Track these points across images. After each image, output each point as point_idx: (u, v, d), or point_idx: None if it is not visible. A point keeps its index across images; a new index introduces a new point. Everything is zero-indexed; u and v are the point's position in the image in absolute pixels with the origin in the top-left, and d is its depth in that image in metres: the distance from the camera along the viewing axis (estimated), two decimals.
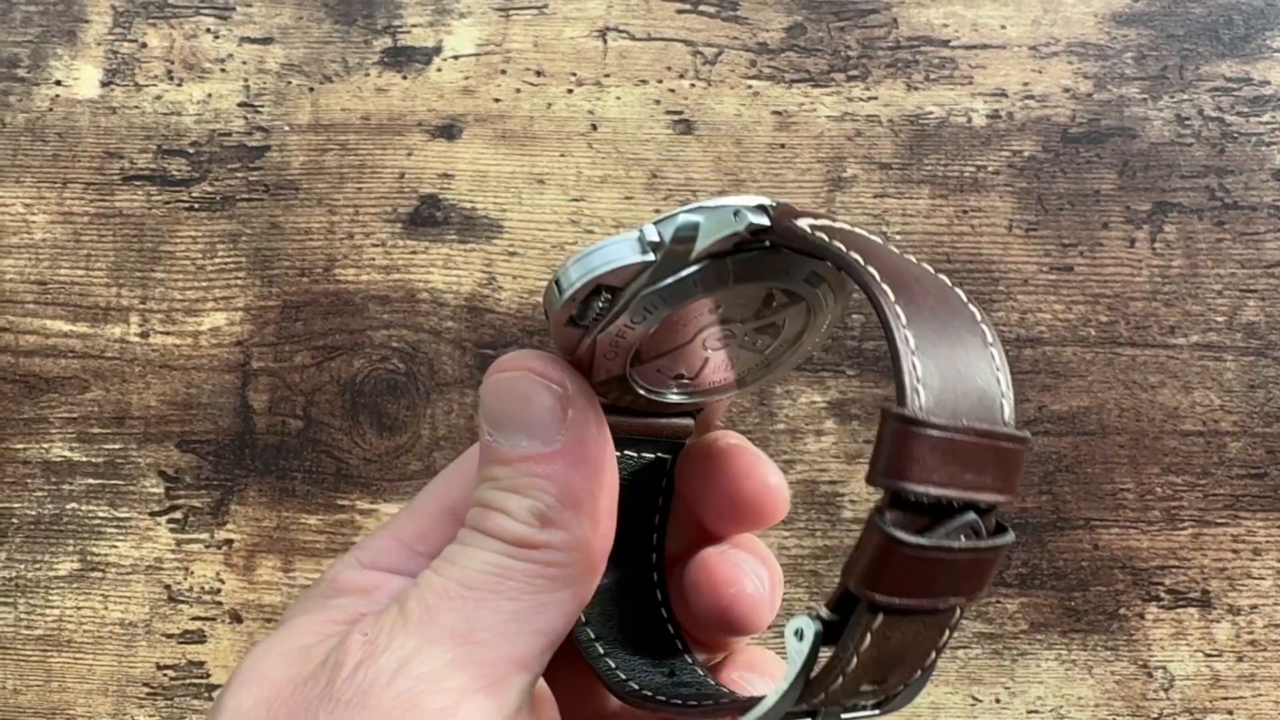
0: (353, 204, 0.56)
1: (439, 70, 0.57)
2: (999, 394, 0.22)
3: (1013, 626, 0.53)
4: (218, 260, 0.56)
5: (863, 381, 0.54)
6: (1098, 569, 0.53)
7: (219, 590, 0.54)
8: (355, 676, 0.25)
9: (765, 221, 0.24)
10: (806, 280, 0.26)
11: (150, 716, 0.53)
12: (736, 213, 0.24)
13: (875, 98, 0.56)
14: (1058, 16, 0.56)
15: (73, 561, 0.54)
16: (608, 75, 0.56)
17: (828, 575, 0.53)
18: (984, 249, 0.55)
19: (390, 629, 0.25)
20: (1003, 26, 0.56)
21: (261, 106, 0.57)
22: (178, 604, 0.54)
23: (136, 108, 0.57)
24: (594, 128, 0.56)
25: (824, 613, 0.22)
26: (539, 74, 0.56)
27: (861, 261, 0.22)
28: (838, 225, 0.24)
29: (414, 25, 0.57)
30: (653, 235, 0.25)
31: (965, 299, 0.23)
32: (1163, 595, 0.53)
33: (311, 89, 0.57)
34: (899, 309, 0.21)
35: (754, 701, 0.23)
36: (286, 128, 0.56)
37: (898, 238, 0.55)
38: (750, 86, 0.56)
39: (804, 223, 0.23)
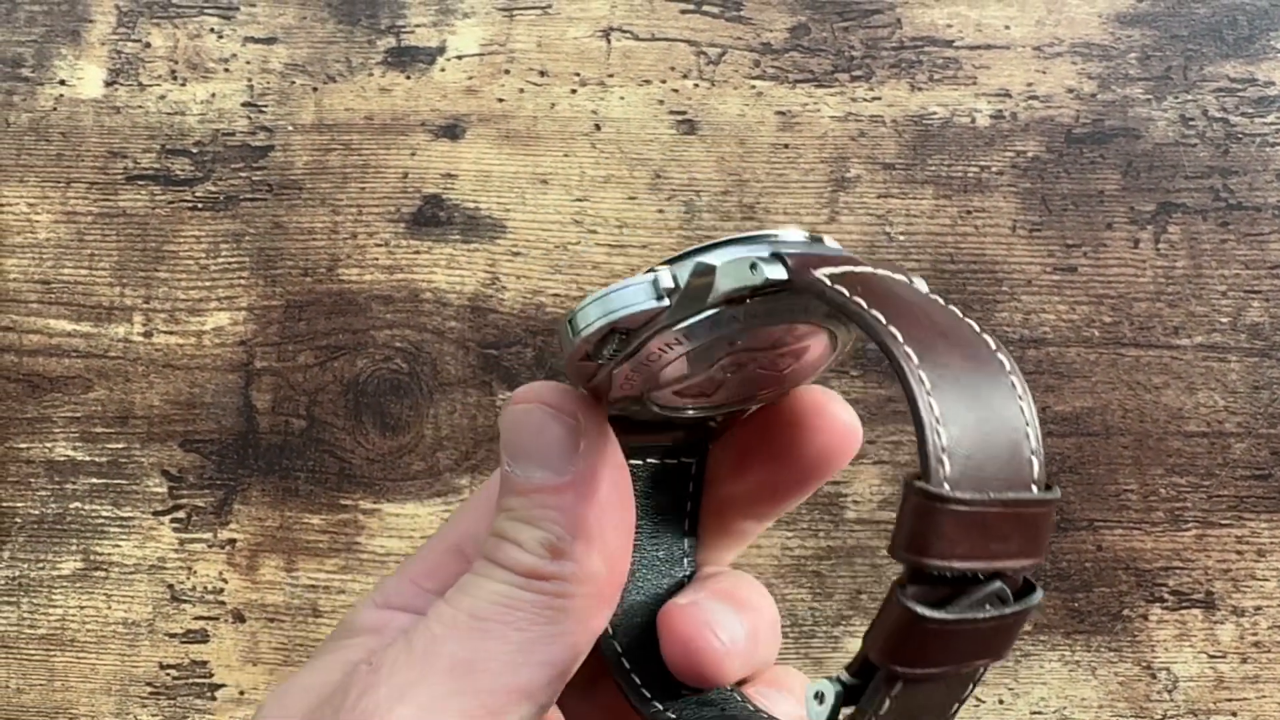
0: (356, 204, 0.56)
1: (443, 70, 0.57)
2: (1028, 452, 0.21)
3: None
4: (221, 260, 0.56)
5: (866, 382, 0.54)
6: (1101, 570, 0.53)
7: (222, 590, 0.54)
8: (358, 705, 0.25)
9: (782, 276, 0.23)
10: (828, 314, 0.26)
11: (153, 716, 0.53)
12: (754, 266, 0.23)
13: (879, 98, 0.56)
14: (1062, 17, 0.56)
15: (76, 561, 0.54)
16: (611, 75, 0.56)
17: (830, 576, 0.53)
18: (988, 249, 0.55)
19: (394, 659, 0.26)
20: (1007, 27, 0.56)
21: (265, 106, 0.57)
22: (181, 603, 0.54)
23: (140, 107, 0.57)
24: (597, 128, 0.56)
25: (845, 676, 0.22)
26: (543, 74, 0.56)
27: (883, 321, 0.21)
28: (860, 271, 0.23)
29: (418, 25, 0.57)
30: (667, 281, 0.24)
31: (994, 346, 0.22)
32: (1166, 596, 0.53)
33: (315, 89, 0.57)
34: (923, 374, 0.21)
35: None
36: (290, 127, 0.56)
37: (901, 238, 0.55)
38: (754, 87, 0.56)
39: (824, 273, 0.23)
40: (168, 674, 0.54)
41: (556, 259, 0.55)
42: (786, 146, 0.56)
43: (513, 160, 0.56)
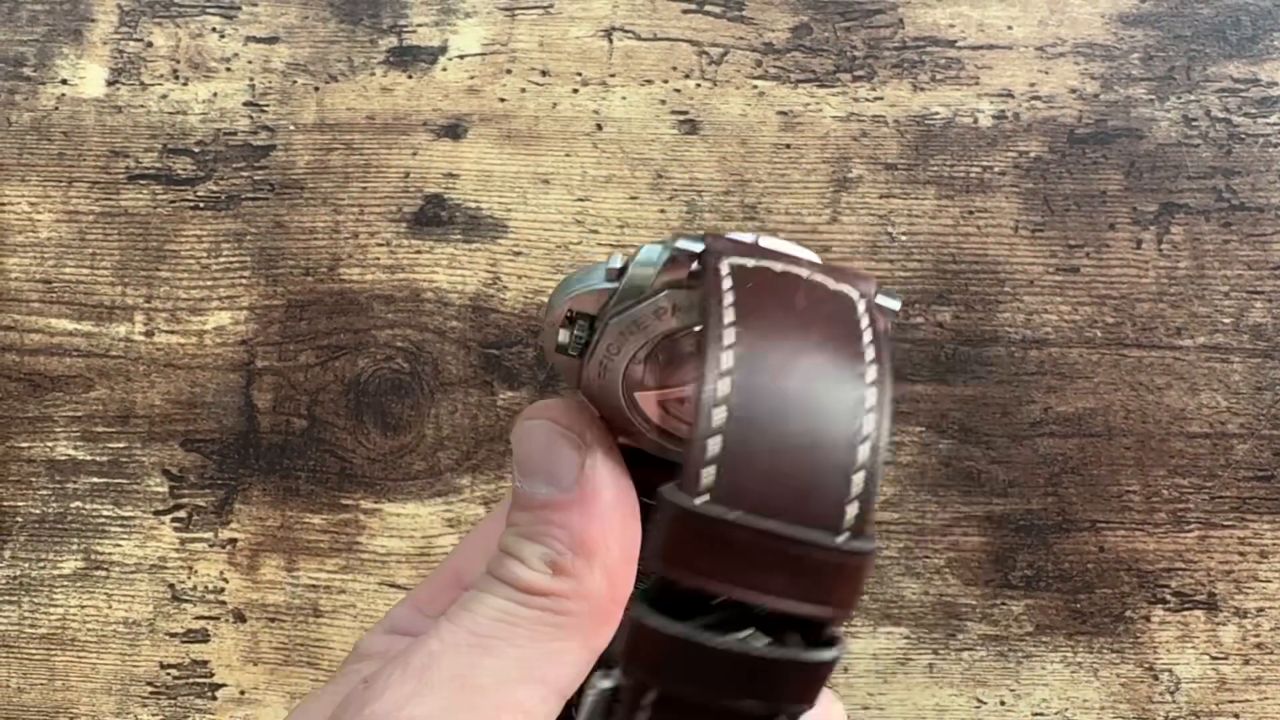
0: (358, 203, 0.56)
1: (444, 70, 0.56)
2: (837, 489, 0.19)
3: (1018, 629, 0.53)
4: (222, 259, 0.56)
5: None
6: (1103, 571, 0.53)
7: (223, 589, 0.54)
8: None
9: (697, 248, 0.23)
10: None
11: (154, 715, 0.53)
12: (675, 239, 0.23)
13: (881, 98, 0.56)
14: (1064, 17, 0.56)
15: (77, 560, 0.54)
16: (613, 75, 0.56)
17: None
18: (990, 250, 0.55)
19: (388, 675, 0.26)
20: (1009, 27, 0.56)
21: (267, 106, 0.57)
22: (181, 603, 0.54)
23: (142, 107, 0.57)
24: (599, 128, 0.56)
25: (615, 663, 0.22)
26: (544, 74, 0.56)
27: (727, 321, 0.20)
28: (776, 269, 0.22)
29: (419, 25, 0.57)
30: (617, 262, 0.25)
31: (872, 379, 0.20)
32: (1169, 598, 0.53)
33: (317, 88, 0.57)
34: (730, 382, 0.19)
35: None
36: (292, 127, 0.56)
37: (903, 239, 0.55)
38: (756, 86, 0.56)
39: (734, 260, 0.22)
40: (168, 674, 0.54)
41: (558, 259, 0.55)
42: (788, 146, 0.56)
43: (514, 160, 0.56)
